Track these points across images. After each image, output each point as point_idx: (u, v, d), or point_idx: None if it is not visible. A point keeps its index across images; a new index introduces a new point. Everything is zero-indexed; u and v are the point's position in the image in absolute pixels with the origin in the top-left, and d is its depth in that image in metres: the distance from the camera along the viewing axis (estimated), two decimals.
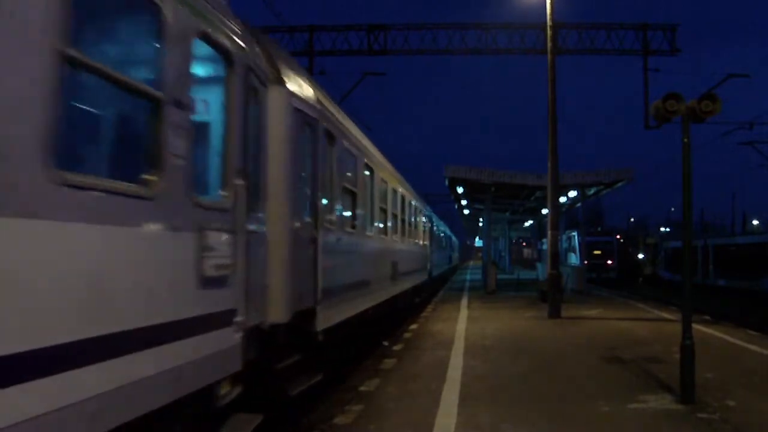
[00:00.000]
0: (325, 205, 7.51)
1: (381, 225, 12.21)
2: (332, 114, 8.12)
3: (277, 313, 5.76)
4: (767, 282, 28.96)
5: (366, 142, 10.95)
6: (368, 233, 10.69)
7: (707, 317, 16.34)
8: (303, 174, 6.65)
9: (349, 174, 9.14)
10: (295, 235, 6.21)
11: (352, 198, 9.35)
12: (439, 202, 48.90)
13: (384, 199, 12.60)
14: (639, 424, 6.17)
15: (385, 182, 12.73)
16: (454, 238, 52.67)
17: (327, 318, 7.37)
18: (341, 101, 21.24)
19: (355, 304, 9.35)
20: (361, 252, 10.08)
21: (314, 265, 6.89)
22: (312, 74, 21.86)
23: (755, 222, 73.80)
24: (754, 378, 8.25)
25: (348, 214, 9.11)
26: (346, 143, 8.78)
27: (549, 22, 16.43)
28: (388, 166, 13.73)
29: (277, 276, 5.78)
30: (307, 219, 6.75)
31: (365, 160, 10.39)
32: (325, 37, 23.32)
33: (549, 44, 16.39)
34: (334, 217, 7.90)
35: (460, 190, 28.23)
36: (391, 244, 13.40)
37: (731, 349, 10.76)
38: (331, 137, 7.79)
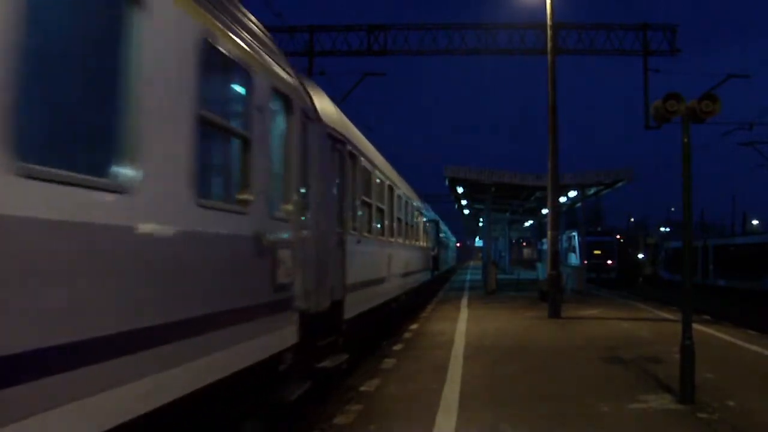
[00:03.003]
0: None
1: None
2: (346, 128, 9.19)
3: None
4: None
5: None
6: None
7: (707, 317, 16.34)
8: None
9: None
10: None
11: None
12: (439, 202, 48.82)
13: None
14: (639, 424, 6.18)
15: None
16: (449, 237, 50.90)
17: None
18: (341, 101, 21.22)
19: None
20: None
21: None
22: (312, 75, 21.90)
23: (755, 222, 73.77)
24: (753, 378, 8.26)
25: None
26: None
27: (549, 23, 16.44)
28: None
29: None
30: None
31: None
32: (325, 37, 23.32)
33: (549, 44, 16.40)
34: None
35: (460, 190, 28.25)
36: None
37: (731, 349, 10.77)
38: (352, 156, 9.28)
